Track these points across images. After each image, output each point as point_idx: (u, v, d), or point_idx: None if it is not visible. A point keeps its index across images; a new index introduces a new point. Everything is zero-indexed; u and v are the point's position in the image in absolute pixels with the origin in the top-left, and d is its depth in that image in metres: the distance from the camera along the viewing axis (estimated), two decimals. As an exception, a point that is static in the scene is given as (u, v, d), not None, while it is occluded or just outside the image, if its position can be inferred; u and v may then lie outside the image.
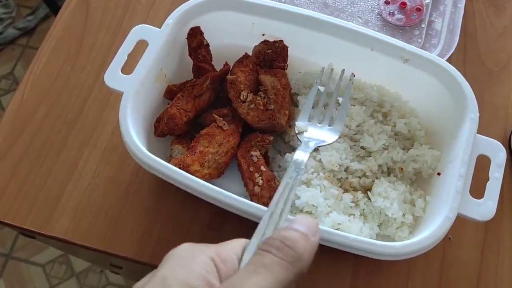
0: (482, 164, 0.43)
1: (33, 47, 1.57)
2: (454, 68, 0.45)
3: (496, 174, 0.42)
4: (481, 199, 0.41)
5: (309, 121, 0.42)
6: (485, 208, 0.40)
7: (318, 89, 0.45)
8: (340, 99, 0.46)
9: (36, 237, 0.52)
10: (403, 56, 0.47)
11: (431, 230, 0.39)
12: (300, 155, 0.39)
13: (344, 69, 0.48)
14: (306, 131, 0.42)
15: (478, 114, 0.43)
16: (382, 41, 0.47)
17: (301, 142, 0.42)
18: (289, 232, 0.27)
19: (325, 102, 0.46)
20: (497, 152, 0.43)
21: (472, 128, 0.42)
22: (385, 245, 0.38)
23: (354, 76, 0.48)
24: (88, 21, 0.60)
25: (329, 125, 0.42)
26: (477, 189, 0.41)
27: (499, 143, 0.43)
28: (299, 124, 0.42)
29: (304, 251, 0.26)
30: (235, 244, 0.28)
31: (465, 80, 0.44)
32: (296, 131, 0.42)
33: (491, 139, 0.43)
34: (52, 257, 1.23)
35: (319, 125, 0.42)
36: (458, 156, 0.42)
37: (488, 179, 0.42)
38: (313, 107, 0.45)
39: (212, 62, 0.52)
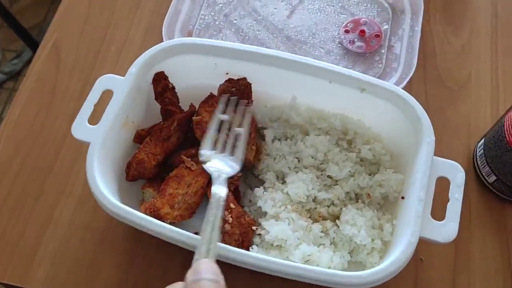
0: (443, 186, 0.44)
1: (20, 90, 1.59)
2: (409, 94, 0.47)
3: (456, 195, 0.43)
4: (443, 221, 0.42)
5: (212, 150, 0.45)
6: (447, 230, 0.41)
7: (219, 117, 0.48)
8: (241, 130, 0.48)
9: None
10: (360, 86, 0.48)
11: (395, 256, 0.39)
12: (219, 189, 0.41)
13: (239, 100, 0.50)
14: (210, 161, 0.44)
15: (434, 138, 0.44)
16: (338, 73, 0.48)
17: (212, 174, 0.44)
18: (204, 283, 0.29)
19: (226, 132, 0.48)
20: (455, 173, 0.44)
21: (429, 151, 0.44)
22: (351, 275, 0.39)
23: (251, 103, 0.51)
24: (60, 70, 0.62)
25: (231, 155, 0.46)
26: (440, 211, 0.42)
27: (457, 164, 0.44)
28: (204, 152, 0.45)
29: None
30: None
31: (420, 105, 0.46)
32: (201, 159, 0.45)
33: (450, 160, 0.44)
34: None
35: (221, 154, 0.45)
36: (417, 179, 0.43)
37: (449, 200, 0.43)
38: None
39: (179, 103, 0.53)
